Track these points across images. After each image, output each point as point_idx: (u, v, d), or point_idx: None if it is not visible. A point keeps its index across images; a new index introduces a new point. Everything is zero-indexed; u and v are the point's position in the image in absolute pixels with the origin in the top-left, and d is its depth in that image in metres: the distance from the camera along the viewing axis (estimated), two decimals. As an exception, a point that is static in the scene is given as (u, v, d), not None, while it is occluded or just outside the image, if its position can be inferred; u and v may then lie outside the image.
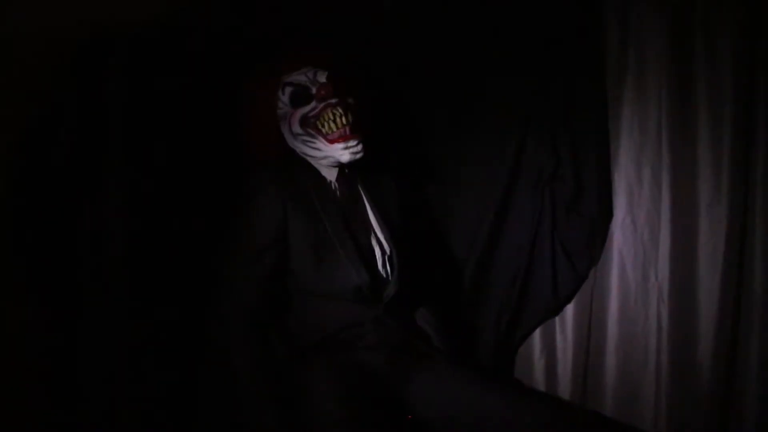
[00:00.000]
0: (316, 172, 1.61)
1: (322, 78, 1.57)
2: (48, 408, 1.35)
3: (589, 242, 1.88)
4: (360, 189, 1.65)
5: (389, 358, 1.50)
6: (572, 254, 1.88)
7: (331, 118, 1.53)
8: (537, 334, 1.94)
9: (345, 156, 1.54)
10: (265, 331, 1.48)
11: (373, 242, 1.59)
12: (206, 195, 1.60)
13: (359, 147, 1.54)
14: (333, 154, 1.55)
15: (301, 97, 1.58)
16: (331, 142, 1.54)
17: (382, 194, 1.68)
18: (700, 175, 1.81)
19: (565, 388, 1.92)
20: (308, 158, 1.60)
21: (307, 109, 1.56)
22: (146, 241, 1.48)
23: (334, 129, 1.54)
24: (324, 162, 1.59)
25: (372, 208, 1.63)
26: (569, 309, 1.92)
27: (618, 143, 1.86)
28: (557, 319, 1.93)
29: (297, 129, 1.57)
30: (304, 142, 1.58)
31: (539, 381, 1.93)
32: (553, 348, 1.93)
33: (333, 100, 1.54)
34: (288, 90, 1.59)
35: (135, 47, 1.46)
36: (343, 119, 1.53)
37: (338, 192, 1.61)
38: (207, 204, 1.59)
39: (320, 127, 1.55)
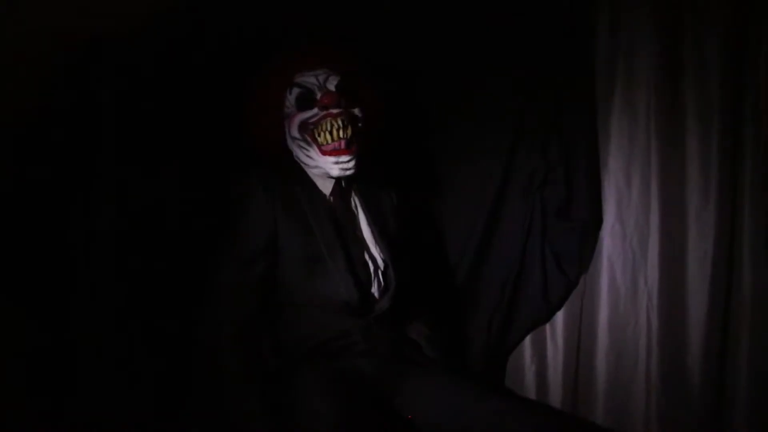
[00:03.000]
0: (311, 182, 1.58)
1: (331, 84, 1.54)
2: (39, 407, 1.35)
3: (580, 248, 1.89)
4: (357, 201, 1.62)
5: (379, 365, 1.49)
6: (562, 260, 1.89)
7: (328, 129, 1.50)
8: (528, 341, 1.94)
9: (335, 170, 1.52)
10: (256, 339, 1.46)
11: (366, 257, 1.56)
12: (199, 197, 1.58)
13: (351, 164, 1.51)
14: (324, 165, 1.52)
15: (305, 100, 1.54)
16: (324, 153, 1.52)
17: (380, 207, 1.66)
18: (689, 181, 1.82)
19: (556, 394, 1.92)
20: (303, 165, 1.58)
21: (308, 114, 1.53)
22: (138, 243, 1.47)
23: (329, 140, 1.50)
24: (316, 172, 1.56)
25: (368, 222, 1.60)
26: (559, 315, 1.92)
27: (607, 149, 1.87)
28: (548, 325, 1.93)
29: (295, 133, 1.55)
30: (300, 147, 1.55)
31: (530, 387, 1.93)
32: (543, 354, 1.93)
33: (335, 110, 1.50)
34: (295, 91, 1.55)
35: (130, 49, 1.45)
36: (341, 132, 1.50)
37: (333, 204, 1.58)
38: (200, 206, 1.57)
39: (316, 135, 1.52)
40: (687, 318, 1.83)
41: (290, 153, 1.59)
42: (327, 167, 1.52)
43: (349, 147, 1.51)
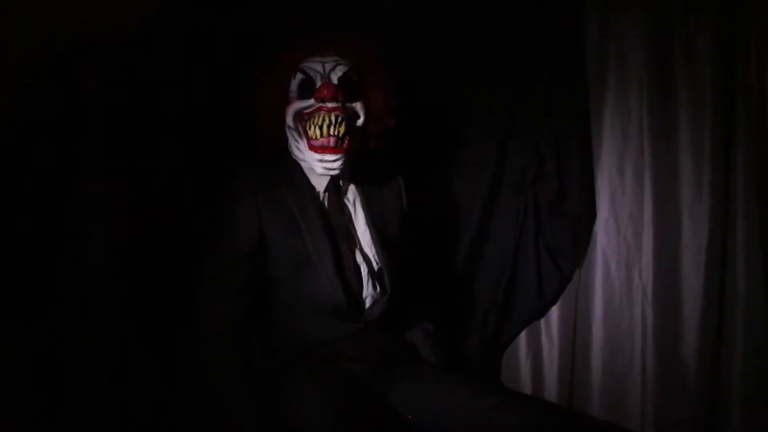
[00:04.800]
0: (304, 178, 1.52)
1: (336, 74, 1.46)
2: (33, 410, 1.34)
3: (574, 243, 1.89)
4: (357, 199, 1.55)
5: (373, 367, 1.46)
6: (557, 255, 1.89)
7: (319, 123, 1.42)
8: (523, 336, 1.93)
9: (318, 168, 1.45)
10: (246, 342, 1.44)
11: (360, 258, 1.50)
12: (188, 198, 1.57)
13: (336, 164, 1.43)
14: (309, 161, 1.46)
15: (305, 88, 1.46)
16: (311, 149, 1.44)
17: (384, 206, 1.58)
18: (682, 174, 1.82)
19: (551, 389, 1.92)
20: (295, 158, 1.51)
21: (304, 104, 1.45)
22: (129, 244, 1.46)
23: (318, 136, 1.42)
24: (305, 166, 1.50)
25: (366, 221, 1.53)
26: (554, 310, 1.92)
27: (600, 144, 1.87)
28: (543, 320, 1.93)
29: (290, 122, 1.48)
30: (293, 138, 1.49)
31: (526, 382, 1.92)
32: (539, 349, 1.93)
33: (330, 104, 1.42)
34: (299, 76, 1.48)
35: (122, 48, 1.44)
36: (332, 129, 1.41)
37: (326, 202, 1.52)
38: (189, 207, 1.56)
39: (308, 128, 1.44)
40: (682, 311, 1.83)
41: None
42: (312, 163, 1.45)
43: (338, 145, 1.43)
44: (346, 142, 1.45)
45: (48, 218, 1.37)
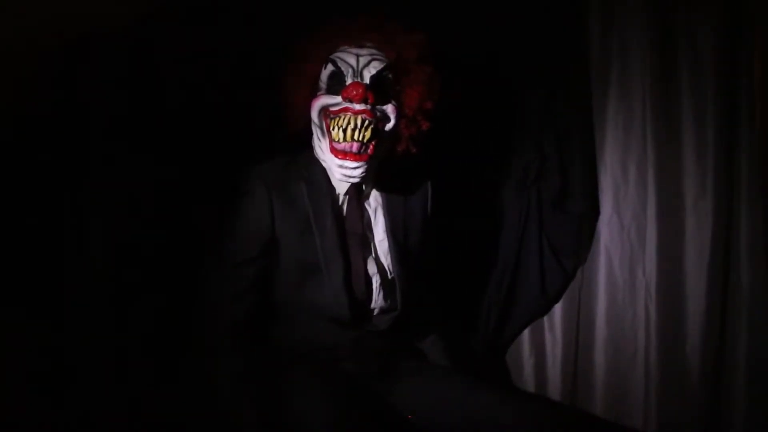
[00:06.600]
0: (324, 178, 1.43)
1: (369, 72, 1.34)
2: (32, 409, 1.34)
3: (577, 240, 1.89)
4: (377, 206, 1.48)
5: (374, 367, 1.46)
6: (559, 253, 1.88)
7: (343, 125, 1.32)
8: (526, 334, 1.93)
9: (336, 173, 1.37)
10: (247, 342, 1.42)
11: (374, 268, 1.44)
12: (197, 194, 1.56)
13: (357, 171, 1.34)
14: (329, 163, 1.39)
15: (335, 81, 1.36)
16: (332, 151, 1.35)
17: (405, 213, 1.50)
18: (686, 172, 1.81)
19: (554, 387, 1.92)
20: (317, 155, 1.43)
21: (331, 100, 1.35)
22: (131, 244, 1.46)
23: (341, 139, 1.33)
24: (326, 165, 1.43)
25: (387, 230, 1.46)
26: (558, 307, 1.92)
27: (603, 141, 1.86)
28: (546, 317, 1.92)
29: (314, 116, 1.38)
30: (316, 134, 1.40)
31: (529, 380, 1.92)
32: (542, 347, 1.93)
33: (357, 107, 1.32)
34: (329, 67, 1.37)
35: (121, 47, 1.43)
36: (356, 133, 1.32)
37: (345, 207, 1.44)
38: (197, 205, 1.55)
39: (331, 128, 1.34)
40: (685, 308, 1.82)
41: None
42: (332, 167, 1.38)
43: (362, 152, 1.34)
44: (370, 148, 1.36)
45: (49, 218, 1.38)
